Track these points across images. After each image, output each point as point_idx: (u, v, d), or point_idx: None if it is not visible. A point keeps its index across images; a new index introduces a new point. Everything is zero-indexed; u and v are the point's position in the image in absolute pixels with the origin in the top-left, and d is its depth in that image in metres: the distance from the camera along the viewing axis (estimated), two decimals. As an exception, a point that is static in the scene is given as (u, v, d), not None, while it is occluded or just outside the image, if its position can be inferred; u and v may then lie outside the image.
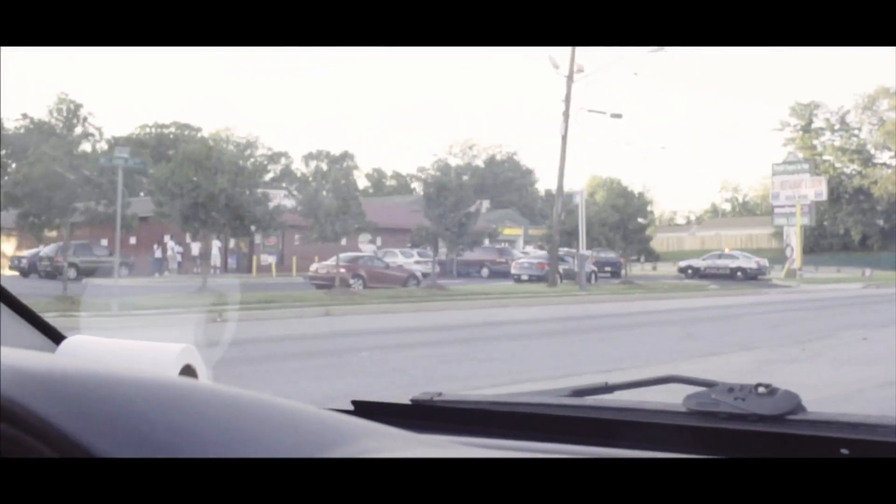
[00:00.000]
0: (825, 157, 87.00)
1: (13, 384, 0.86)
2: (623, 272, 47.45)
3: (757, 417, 1.52)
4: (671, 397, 1.72)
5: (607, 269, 50.38)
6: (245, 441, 0.88)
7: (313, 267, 34.99)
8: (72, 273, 42.34)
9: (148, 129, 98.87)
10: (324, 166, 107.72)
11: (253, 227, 27.24)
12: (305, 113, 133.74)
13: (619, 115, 38.64)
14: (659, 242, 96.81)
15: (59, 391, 0.87)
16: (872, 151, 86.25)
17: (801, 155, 73.51)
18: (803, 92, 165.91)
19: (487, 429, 1.71)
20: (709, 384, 1.65)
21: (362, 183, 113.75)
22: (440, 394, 1.86)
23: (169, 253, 45.77)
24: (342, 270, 31.77)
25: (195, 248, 46.13)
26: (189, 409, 0.90)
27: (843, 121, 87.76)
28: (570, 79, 35.62)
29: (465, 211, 31.76)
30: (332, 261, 32.44)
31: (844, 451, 1.44)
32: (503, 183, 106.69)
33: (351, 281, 32.64)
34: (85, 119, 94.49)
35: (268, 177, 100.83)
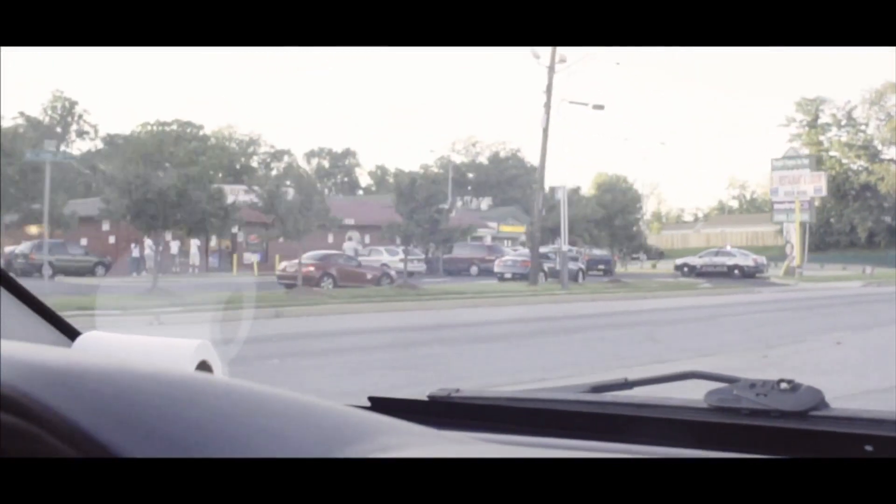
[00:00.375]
0: (831, 153, 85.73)
1: (30, 379, 0.88)
2: (614, 270, 46.29)
3: (779, 414, 1.51)
4: (690, 394, 1.69)
5: (600, 266, 49.17)
6: (265, 437, 0.89)
7: (281, 265, 33.81)
8: (48, 271, 41.74)
9: (149, 128, 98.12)
10: (326, 164, 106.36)
11: (210, 225, 25.90)
12: (308, 112, 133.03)
13: (601, 107, 37.51)
14: (664, 240, 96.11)
15: (77, 386, 0.88)
16: (879, 147, 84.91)
17: (806, 151, 72.19)
18: (810, 87, 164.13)
19: (506, 425, 1.68)
20: (730, 380, 1.64)
21: (365, 180, 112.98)
22: (458, 390, 1.85)
23: (147, 252, 44.66)
24: (311, 269, 30.53)
25: (174, 246, 45.10)
26: (208, 405, 0.91)
27: (849, 116, 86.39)
28: (551, 69, 34.34)
29: (437, 207, 30.47)
30: (304, 259, 31.23)
31: (868, 448, 1.43)
32: (507, 180, 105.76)
33: (321, 280, 31.38)
34: (80, 117, 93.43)
35: (271, 174, 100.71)
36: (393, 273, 35.73)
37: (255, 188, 27.58)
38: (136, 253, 45.08)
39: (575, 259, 42.70)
